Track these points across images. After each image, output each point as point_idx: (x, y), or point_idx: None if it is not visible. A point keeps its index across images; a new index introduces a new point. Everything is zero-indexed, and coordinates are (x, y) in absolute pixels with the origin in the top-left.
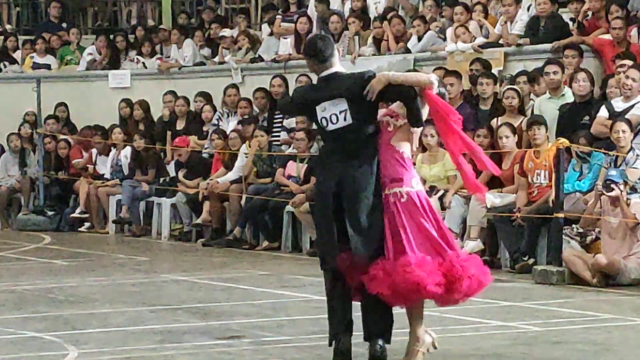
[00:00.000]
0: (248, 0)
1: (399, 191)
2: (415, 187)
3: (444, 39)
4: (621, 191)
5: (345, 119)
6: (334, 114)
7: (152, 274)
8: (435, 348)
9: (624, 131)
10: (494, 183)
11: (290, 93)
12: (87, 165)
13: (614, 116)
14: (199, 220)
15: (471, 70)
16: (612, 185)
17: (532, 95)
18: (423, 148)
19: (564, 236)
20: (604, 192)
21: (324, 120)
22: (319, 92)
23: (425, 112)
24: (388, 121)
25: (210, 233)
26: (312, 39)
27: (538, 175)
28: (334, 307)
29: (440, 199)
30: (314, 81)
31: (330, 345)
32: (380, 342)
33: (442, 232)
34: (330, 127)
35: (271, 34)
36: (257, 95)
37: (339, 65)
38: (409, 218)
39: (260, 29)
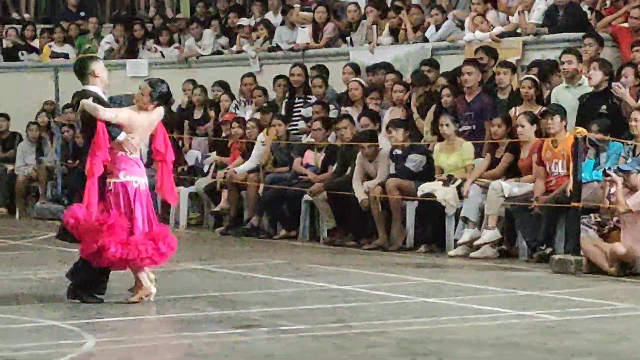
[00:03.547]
0: None
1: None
2: (121, 179)
3: (462, 28)
4: (623, 180)
5: None
6: None
7: (170, 262)
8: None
9: (637, 119)
10: (512, 172)
11: (310, 81)
12: None
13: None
14: (216, 209)
15: (481, 59)
16: (611, 173)
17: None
18: (440, 137)
19: (581, 225)
20: (605, 179)
21: None
22: None
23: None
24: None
25: (228, 222)
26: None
27: (556, 164)
28: None
29: (458, 188)
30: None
31: None
32: None
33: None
34: None
35: (283, 22)
36: (277, 83)
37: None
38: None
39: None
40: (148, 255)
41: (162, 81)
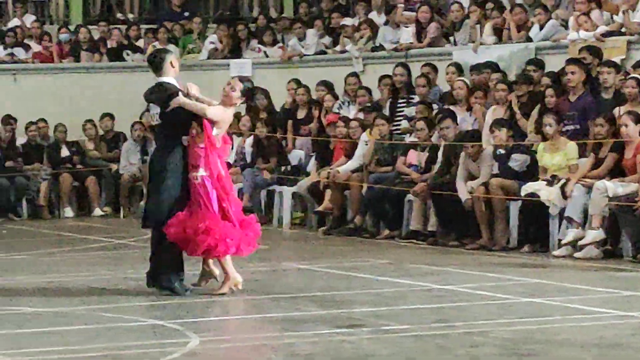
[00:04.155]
0: None
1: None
2: (207, 173)
3: (566, 28)
4: None
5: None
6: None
7: (273, 262)
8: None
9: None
10: (617, 172)
11: (413, 81)
12: None
13: None
14: (320, 209)
15: (584, 58)
16: None
17: None
18: (543, 137)
19: None
20: None
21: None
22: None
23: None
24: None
25: (331, 222)
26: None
27: None
28: None
29: (562, 188)
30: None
31: None
32: None
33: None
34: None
35: (387, 22)
36: (381, 83)
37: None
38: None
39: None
40: (236, 244)
41: (247, 78)
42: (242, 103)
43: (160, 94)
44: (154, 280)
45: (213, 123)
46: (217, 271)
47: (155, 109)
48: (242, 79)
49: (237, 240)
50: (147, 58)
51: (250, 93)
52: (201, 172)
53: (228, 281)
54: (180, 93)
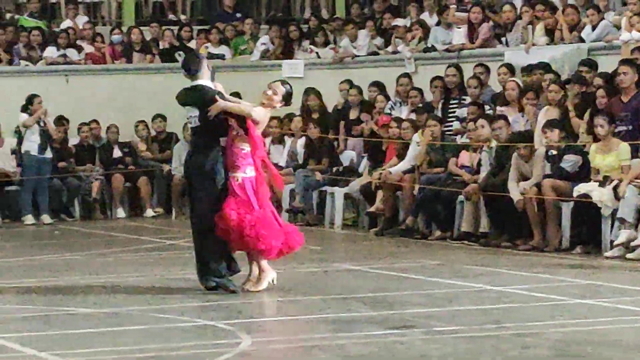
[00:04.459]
0: None
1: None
2: (248, 174)
3: (618, 28)
4: None
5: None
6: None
7: (325, 262)
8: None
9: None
10: None
11: (465, 82)
12: None
13: None
14: (371, 210)
15: (637, 59)
16: None
17: None
18: (595, 138)
19: None
20: None
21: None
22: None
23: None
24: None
25: (383, 222)
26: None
27: None
28: None
29: (615, 189)
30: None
31: None
32: None
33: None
34: (190, 125)
35: (439, 23)
36: (433, 84)
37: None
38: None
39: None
40: (279, 245)
41: (287, 82)
42: (282, 107)
43: (200, 97)
44: (203, 276)
45: (256, 123)
46: (256, 270)
47: (193, 112)
48: (283, 83)
49: (281, 240)
50: (181, 63)
51: (291, 97)
52: (243, 173)
53: (265, 277)
54: (218, 95)
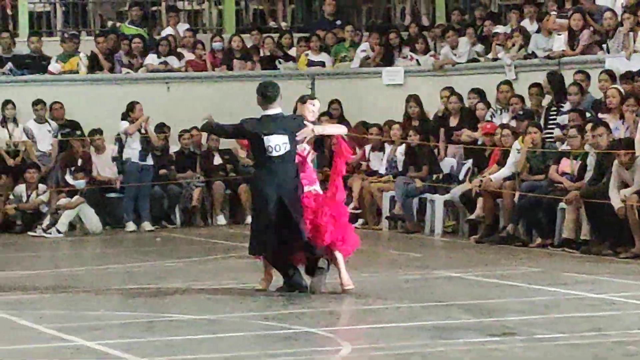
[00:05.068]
0: None
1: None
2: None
3: None
4: None
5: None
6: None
7: (425, 270)
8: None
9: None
10: None
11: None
12: (361, 162)
13: None
14: (472, 217)
15: None
16: None
17: None
18: None
19: None
20: None
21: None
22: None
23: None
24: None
25: (483, 230)
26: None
27: None
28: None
29: None
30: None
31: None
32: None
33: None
34: (274, 153)
35: (539, 30)
36: (532, 91)
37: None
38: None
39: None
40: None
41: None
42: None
43: (295, 124)
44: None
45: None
46: (345, 276)
47: (276, 140)
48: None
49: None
50: (258, 89)
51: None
52: (317, 187)
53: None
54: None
